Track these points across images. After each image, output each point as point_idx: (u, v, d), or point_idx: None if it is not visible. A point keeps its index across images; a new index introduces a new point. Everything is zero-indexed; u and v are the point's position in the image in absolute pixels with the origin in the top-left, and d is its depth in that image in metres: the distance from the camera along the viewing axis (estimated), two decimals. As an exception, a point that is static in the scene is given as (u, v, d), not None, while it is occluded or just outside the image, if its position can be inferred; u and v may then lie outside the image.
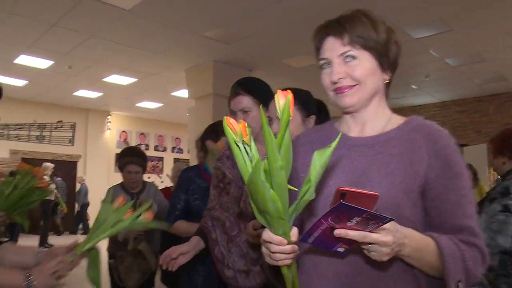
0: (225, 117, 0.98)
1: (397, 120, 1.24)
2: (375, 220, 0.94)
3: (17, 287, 1.39)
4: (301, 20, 5.76)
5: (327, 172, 1.20)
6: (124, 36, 6.46)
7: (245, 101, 2.04)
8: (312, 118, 1.84)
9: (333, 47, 1.15)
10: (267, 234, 0.99)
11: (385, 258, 0.97)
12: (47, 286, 1.42)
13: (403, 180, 1.11)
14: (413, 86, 9.36)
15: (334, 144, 1.00)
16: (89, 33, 6.39)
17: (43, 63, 7.92)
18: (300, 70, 7.90)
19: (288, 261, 1.03)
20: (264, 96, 2.07)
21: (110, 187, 3.75)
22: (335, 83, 1.15)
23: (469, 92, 9.89)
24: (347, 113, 1.25)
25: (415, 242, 1.03)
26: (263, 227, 1.15)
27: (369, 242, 0.95)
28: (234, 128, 0.96)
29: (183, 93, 9.28)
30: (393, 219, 0.92)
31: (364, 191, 0.96)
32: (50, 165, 8.87)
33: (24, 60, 7.71)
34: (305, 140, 1.33)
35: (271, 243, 0.99)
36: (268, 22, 5.88)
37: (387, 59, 1.17)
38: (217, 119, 7.66)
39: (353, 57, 1.14)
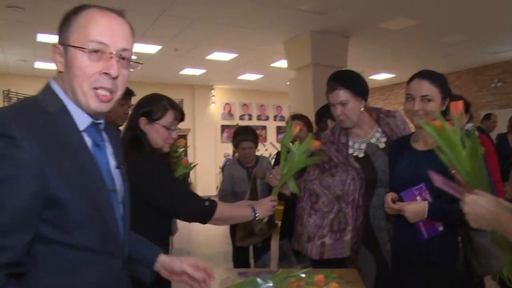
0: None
1: None
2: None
3: (247, 216, 2.07)
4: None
5: None
6: (224, 16, 6.74)
7: (342, 94, 2.17)
8: (447, 101, 1.88)
9: None
10: None
11: (472, 225, 1.14)
12: (265, 215, 2.09)
13: None
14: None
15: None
16: (192, 18, 6.77)
17: (152, 49, 8.57)
18: (399, 32, 7.62)
19: None
20: (358, 87, 2.21)
21: (228, 162, 4.22)
22: None
23: None
24: None
25: (504, 225, 1.09)
26: (399, 200, 1.80)
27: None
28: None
29: (283, 63, 9.41)
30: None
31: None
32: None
33: (136, 47, 8.26)
34: None
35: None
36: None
37: None
38: (316, 88, 7.79)
39: None
